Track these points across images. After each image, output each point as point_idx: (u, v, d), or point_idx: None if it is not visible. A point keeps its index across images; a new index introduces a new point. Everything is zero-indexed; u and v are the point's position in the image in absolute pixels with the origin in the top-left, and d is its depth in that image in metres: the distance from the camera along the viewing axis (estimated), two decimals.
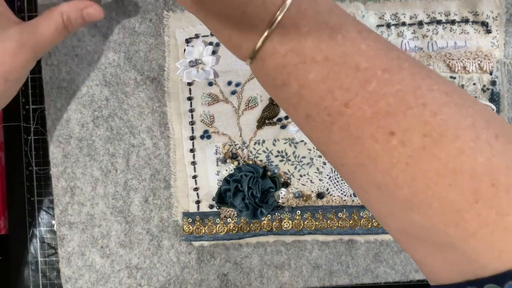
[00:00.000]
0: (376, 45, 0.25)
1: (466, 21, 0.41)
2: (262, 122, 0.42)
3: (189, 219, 0.43)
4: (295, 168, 0.42)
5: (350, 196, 0.42)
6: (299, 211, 0.43)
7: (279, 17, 0.24)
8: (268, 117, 0.42)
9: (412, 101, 0.23)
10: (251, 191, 0.41)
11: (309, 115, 0.25)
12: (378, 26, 0.41)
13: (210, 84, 0.42)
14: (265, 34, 0.25)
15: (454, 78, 0.41)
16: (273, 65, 0.25)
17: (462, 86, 0.41)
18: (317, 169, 0.42)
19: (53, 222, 0.44)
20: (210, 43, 0.42)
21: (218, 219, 0.43)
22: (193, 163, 0.43)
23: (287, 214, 0.43)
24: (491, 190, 0.21)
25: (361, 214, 0.42)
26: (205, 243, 0.43)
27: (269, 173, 0.42)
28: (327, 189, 0.42)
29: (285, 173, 0.43)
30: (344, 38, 0.24)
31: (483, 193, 0.22)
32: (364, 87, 0.23)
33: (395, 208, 0.24)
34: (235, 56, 0.28)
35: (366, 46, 0.24)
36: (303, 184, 0.43)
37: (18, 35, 0.35)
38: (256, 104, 0.42)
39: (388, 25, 0.41)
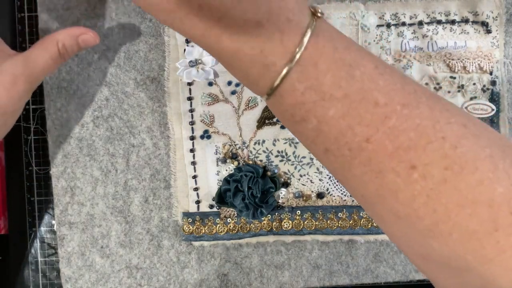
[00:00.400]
0: (393, 80, 0.25)
1: (466, 21, 0.41)
2: (262, 122, 0.42)
3: (189, 219, 0.43)
4: (295, 168, 0.42)
5: (350, 196, 0.42)
6: (299, 211, 0.43)
7: (298, 55, 0.24)
8: (268, 117, 0.42)
9: (432, 135, 0.24)
10: (251, 191, 0.41)
11: (329, 149, 0.26)
12: (378, 26, 0.42)
13: (210, 84, 0.42)
14: (284, 72, 0.25)
15: (454, 78, 0.41)
16: (291, 101, 0.26)
17: (462, 86, 0.41)
18: (317, 169, 0.42)
19: (53, 222, 0.44)
20: None
21: (218, 219, 0.43)
22: (193, 163, 0.43)
23: (287, 214, 0.43)
24: (510, 218, 0.22)
25: (361, 214, 0.42)
26: (205, 243, 0.43)
27: (269, 173, 0.42)
28: (327, 189, 0.43)
29: (285, 173, 0.43)
30: (362, 75, 0.25)
31: (502, 221, 0.22)
32: (384, 122, 0.24)
33: (414, 236, 0.25)
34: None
35: (383, 81, 0.25)
36: (303, 184, 0.43)
37: (13, 68, 0.35)
38: (256, 104, 0.42)
39: (388, 25, 0.41)
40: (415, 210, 0.24)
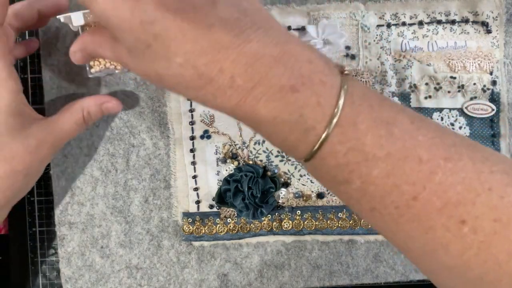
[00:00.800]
0: (430, 134, 0.25)
1: (466, 21, 0.41)
2: None
3: (189, 219, 0.43)
4: (295, 168, 0.42)
5: None
6: (299, 211, 0.43)
7: (337, 117, 0.24)
8: None
9: (479, 187, 0.24)
10: (251, 191, 0.41)
11: (375, 208, 0.26)
12: (378, 26, 0.41)
13: None
14: (324, 135, 0.25)
15: (454, 78, 0.41)
16: (333, 164, 0.25)
17: (462, 86, 0.41)
18: None
19: (53, 222, 0.44)
20: None
21: (218, 219, 0.43)
22: (193, 163, 0.43)
23: (287, 214, 0.43)
24: None
25: None
26: (205, 243, 0.43)
27: (269, 173, 0.42)
28: (327, 189, 0.42)
29: (285, 173, 0.43)
30: (401, 132, 0.25)
31: None
32: (430, 179, 0.24)
33: (464, 284, 0.25)
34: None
35: (422, 137, 0.25)
36: (303, 184, 0.43)
37: (39, 133, 0.36)
38: None
39: (388, 25, 0.41)
40: (466, 262, 0.24)
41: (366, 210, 0.26)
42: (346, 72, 0.26)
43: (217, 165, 0.43)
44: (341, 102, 0.24)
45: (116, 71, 0.41)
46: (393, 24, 0.42)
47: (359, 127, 0.24)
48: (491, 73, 0.41)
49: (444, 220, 0.24)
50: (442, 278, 0.27)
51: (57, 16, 0.38)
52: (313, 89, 0.24)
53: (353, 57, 0.42)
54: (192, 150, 0.43)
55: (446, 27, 0.41)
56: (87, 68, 0.41)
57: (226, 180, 0.42)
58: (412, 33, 0.41)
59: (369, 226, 0.42)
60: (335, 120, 0.24)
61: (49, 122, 0.37)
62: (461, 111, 0.41)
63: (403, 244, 0.27)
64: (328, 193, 0.43)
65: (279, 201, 0.43)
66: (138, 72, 0.28)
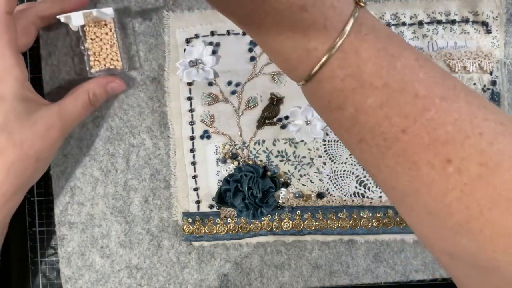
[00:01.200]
0: (433, 73, 0.25)
1: (466, 21, 0.41)
2: (262, 122, 0.42)
3: (189, 219, 0.43)
4: (295, 168, 0.42)
5: (350, 196, 0.42)
6: (299, 211, 0.42)
7: (340, 42, 0.24)
8: (268, 117, 0.42)
9: (469, 130, 0.24)
10: (251, 191, 0.41)
11: (363, 139, 0.26)
12: None
13: (210, 84, 0.42)
14: (325, 58, 0.25)
15: None
16: (329, 88, 0.25)
17: None
18: (317, 169, 0.42)
19: (53, 222, 0.44)
20: (210, 43, 0.42)
21: (218, 219, 0.43)
22: (193, 163, 0.43)
23: (287, 214, 0.43)
24: None
25: (361, 214, 0.42)
26: (205, 243, 0.43)
27: (269, 173, 0.42)
28: (327, 189, 0.42)
29: (285, 173, 0.43)
30: (403, 65, 0.25)
31: None
32: (422, 114, 0.24)
33: (443, 232, 0.25)
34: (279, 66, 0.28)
35: (424, 74, 0.25)
36: (303, 184, 0.43)
37: (47, 117, 0.37)
38: (256, 104, 0.42)
39: (388, 25, 0.41)
40: (447, 205, 0.24)
41: (355, 141, 0.26)
42: (362, 3, 0.26)
43: (217, 165, 0.43)
44: (348, 27, 0.24)
45: (116, 71, 0.42)
46: (393, 24, 0.41)
47: (362, 54, 0.25)
48: (491, 73, 0.41)
49: (430, 156, 0.24)
50: (422, 223, 0.26)
51: (57, 16, 0.38)
52: (322, 11, 0.24)
53: None
54: (192, 150, 0.43)
55: (446, 27, 0.41)
56: (87, 68, 0.41)
57: (226, 180, 0.42)
58: (412, 33, 0.41)
59: (369, 226, 0.42)
60: (338, 45, 0.24)
61: (56, 106, 0.38)
62: None
63: (388, 181, 0.26)
64: (328, 193, 0.43)
65: (279, 201, 0.43)
66: None
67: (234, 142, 0.43)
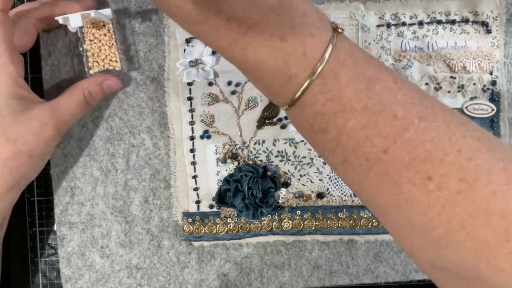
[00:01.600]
0: (410, 94, 0.26)
1: (466, 21, 0.41)
2: (262, 122, 0.42)
3: (189, 219, 0.43)
4: (295, 168, 0.42)
5: (350, 196, 0.42)
6: (299, 211, 0.43)
7: (320, 68, 0.25)
8: (268, 117, 0.42)
9: (448, 147, 0.25)
10: (251, 191, 0.41)
11: (346, 159, 0.27)
12: (378, 26, 0.41)
13: (210, 84, 0.42)
14: (306, 84, 0.26)
15: (454, 78, 0.41)
16: (311, 112, 0.27)
17: (462, 86, 0.41)
18: (317, 169, 0.42)
19: (53, 222, 0.44)
20: None
21: (218, 219, 0.43)
22: (193, 163, 0.43)
23: (287, 214, 0.43)
24: None
25: (361, 214, 0.42)
26: (205, 243, 0.43)
27: (269, 173, 0.42)
28: (327, 189, 0.42)
29: (285, 173, 0.43)
30: (381, 88, 0.26)
31: None
32: (402, 134, 0.25)
33: (427, 245, 0.26)
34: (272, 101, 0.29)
35: (401, 96, 0.26)
36: (303, 184, 0.43)
37: (41, 114, 0.37)
38: (256, 104, 0.42)
39: (388, 25, 0.41)
40: (430, 219, 0.24)
41: (338, 162, 0.27)
42: (339, 30, 0.27)
43: (217, 165, 0.43)
44: (327, 54, 0.26)
45: (115, 72, 0.42)
46: (393, 24, 0.42)
47: (341, 80, 0.26)
48: (491, 73, 0.41)
49: (411, 175, 0.25)
50: (407, 237, 0.27)
51: (56, 18, 0.38)
52: (301, 40, 0.26)
53: None
54: (192, 150, 0.43)
55: (446, 27, 0.41)
56: (86, 69, 0.41)
57: (226, 180, 0.42)
58: (412, 33, 0.41)
59: (369, 226, 0.42)
60: (318, 71, 0.25)
61: (50, 104, 0.38)
62: (461, 111, 0.41)
63: (371, 199, 0.27)
64: (328, 193, 0.43)
65: (279, 201, 0.43)
66: None
67: (234, 142, 0.43)
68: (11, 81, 0.36)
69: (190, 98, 0.42)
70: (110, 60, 0.41)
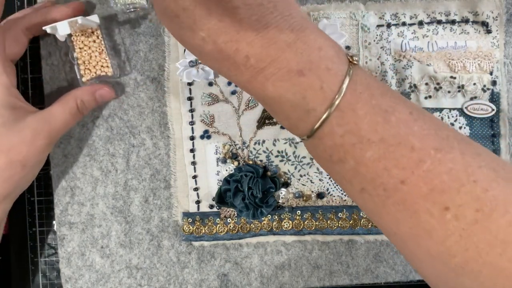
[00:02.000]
0: (427, 126, 0.27)
1: (466, 21, 0.41)
2: (262, 122, 0.42)
3: (189, 219, 0.43)
4: (295, 168, 0.42)
5: None
6: (299, 211, 0.43)
7: (337, 102, 0.26)
8: (268, 117, 0.42)
9: (464, 178, 0.25)
10: (251, 191, 0.41)
11: (364, 189, 0.27)
12: (378, 26, 0.41)
13: (210, 84, 0.42)
14: (324, 116, 0.26)
15: (454, 78, 0.41)
16: (330, 144, 0.27)
17: (462, 86, 0.41)
18: (317, 169, 0.42)
19: (53, 222, 0.44)
20: None
21: (218, 219, 0.43)
22: (193, 163, 0.43)
23: (287, 214, 0.43)
24: None
25: (361, 214, 0.42)
26: (205, 243, 0.43)
27: (269, 173, 0.42)
28: (327, 189, 0.42)
29: (285, 173, 0.43)
30: (397, 120, 0.26)
31: None
32: (419, 166, 0.25)
33: (446, 273, 0.26)
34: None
35: (418, 127, 0.26)
36: (303, 184, 0.43)
37: (34, 124, 0.37)
38: (256, 104, 0.42)
39: (388, 25, 0.41)
40: (448, 248, 0.25)
41: (356, 190, 0.28)
42: (355, 61, 0.28)
43: (217, 165, 0.43)
44: (344, 87, 0.26)
45: (108, 77, 0.41)
46: (393, 24, 0.41)
47: (358, 112, 0.26)
48: (491, 73, 0.41)
49: (428, 205, 0.25)
50: (425, 266, 0.27)
51: (44, 28, 0.38)
52: (318, 74, 0.26)
53: None
54: (192, 150, 0.43)
55: (446, 27, 0.41)
56: (78, 77, 0.41)
57: (226, 180, 0.42)
58: (412, 33, 0.41)
59: (369, 226, 0.42)
60: (335, 104, 0.26)
61: (43, 113, 0.38)
62: (461, 111, 0.41)
63: (390, 228, 0.28)
64: (328, 193, 0.43)
65: (279, 201, 0.43)
66: (169, 31, 0.30)
67: (234, 142, 0.43)
68: (4, 91, 0.36)
69: (190, 98, 0.42)
70: (102, 66, 0.41)
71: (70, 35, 0.40)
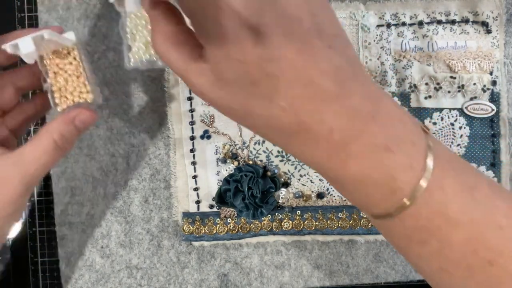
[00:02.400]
0: (505, 196, 0.25)
1: (466, 21, 0.41)
2: None
3: (189, 219, 0.43)
4: (295, 168, 0.42)
5: None
6: (299, 211, 0.43)
7: (426, 181, 0.24)
8: None
9: None
10: (251, 191, 0.41)
11: (444, 268, 0.25)
12: (378, 26, 0.42)
13: None
14: (411, 197, 0.24)
15: (454, 78, 0.41)
16: (412, 224, 0.25)
17: (462, 86, 0.41)
18: None
19: (53, 222, 0.44)
20: None
21: (218, 219, 0.43)
22: (193, 163, 0.43)
23: (287, 214, 0.43)
24: None
25: (361, 214, 0.42)
26: (205, 243, 0.43)
27: (269, 173, 0.42)
28: (327, 189, 0.42)
29: (285, 173, 0.43)
30: (482, 197, 0.24)
31: None
32: (507, 245, 0.24)
33: None
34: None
35: (500, 202, 0.25)
36: (303, 184, 0.43)
37: (2, 169, 0.32)
38: None
39: (388, 25, 0.41)
40: None
41: (433, 270, 0.26)
42: (426, 130, 0.25)
43: (217, 165, 0.43)
44: (430, 163, 0.24)
45: (87, 104, 0.35)
46: (393, 24, 0.42)
47: (446, 190, 0.24)
48: (491, 73, 0.41)
49: None
50: None
51: (2, 47, 0.31)
52: (405, 150, 0.24)
53: None
54: (192, 150, 0.43)
55: (446, 27, 0.41)
56: (53, 106, 0.34)
57: (226, 180, 0.42)
58: (412, 33, 0.41)
59: (369, 226, 0.42)
60: (425, 184, 0.24)
61: (14, 156, 0.32)
62: (461, 111, 0.41)
63: None
64: (328, 193, 0.43)
65: (279, 201, 0.43)
66: (215, 102, 0.25)
67: (234, 142, 0.43)
68: None
69: (190, 98, 0.42)
70: (80, 92, 0.34)
71: (42, 58, 0.33)
